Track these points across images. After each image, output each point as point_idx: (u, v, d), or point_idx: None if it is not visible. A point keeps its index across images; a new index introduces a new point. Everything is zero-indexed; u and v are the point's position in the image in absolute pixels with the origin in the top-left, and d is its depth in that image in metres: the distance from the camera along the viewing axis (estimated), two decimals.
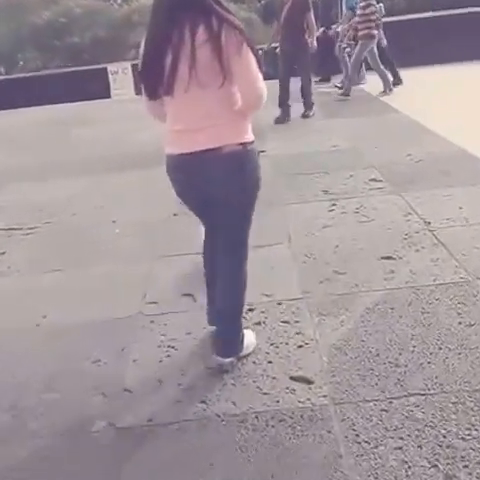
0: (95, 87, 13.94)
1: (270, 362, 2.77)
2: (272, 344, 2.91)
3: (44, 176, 6.91)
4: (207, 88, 2.36)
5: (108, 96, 14.27)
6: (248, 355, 2.80)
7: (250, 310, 3.21)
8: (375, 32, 9.83)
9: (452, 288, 3.25)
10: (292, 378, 2.62)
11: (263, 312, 3.21)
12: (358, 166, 5.74)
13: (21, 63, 29.42)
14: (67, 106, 13.41)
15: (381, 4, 10.50)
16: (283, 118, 8.51)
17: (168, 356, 2.91)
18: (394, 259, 3.66)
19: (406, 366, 2.63)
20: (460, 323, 2.92)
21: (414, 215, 4.33)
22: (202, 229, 2.85)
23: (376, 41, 9.94)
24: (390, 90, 9.99)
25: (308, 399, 2.48)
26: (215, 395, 2.56)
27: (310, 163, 6.02)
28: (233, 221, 2.61)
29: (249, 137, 2.53)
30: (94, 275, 3.93)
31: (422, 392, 2.44)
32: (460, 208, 4.36)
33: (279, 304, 3.26)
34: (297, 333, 2.98)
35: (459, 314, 3.00)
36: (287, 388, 2.56)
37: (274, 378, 2.64)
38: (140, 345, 3.03)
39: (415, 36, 12.77)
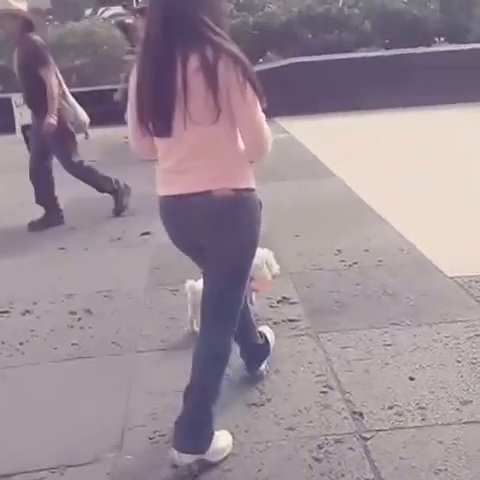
0: None
1: None
2: None
3: None
4: (199, 123, 2.07)
5: (14, 132, 11.88)
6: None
7: None
8: None
9: None
10: None
11: None
12: None
13: None
14: None
15: None
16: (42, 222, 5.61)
17: None
18: None
19: None
20: None
21: (336, 392, 2.62)
22: None
23: None
24: None
25: None
26: None
27: None
28: (222, 276, 2.28)
29: (247, 183, 2.23)
30: None
31: None
32: (411, 379, 2.68)
33: None
34: None
35: None
36: None
37: None
38: None
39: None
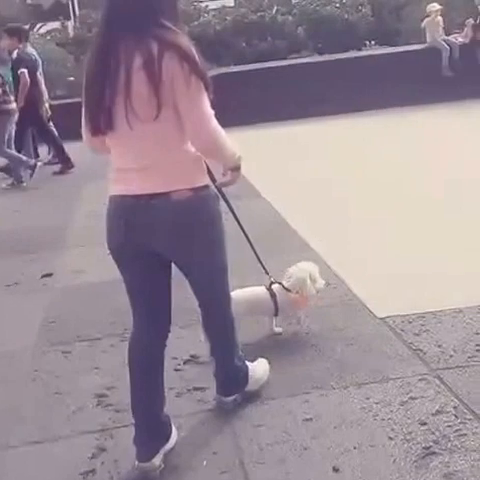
0: None
1: None
2: None
3: None
4: (143, 119, 2.05)
5: None
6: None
7: None
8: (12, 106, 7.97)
9: None
10: None
11: None
12: None
13: None
14: None
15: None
16: None
17: None
18: None
19: None
20: None
21: None
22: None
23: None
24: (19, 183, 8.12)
25: None
26: None
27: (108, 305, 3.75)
28: (201, 274, 2.35)
29: (202, 180, 2.21)
30: None
31: None
32: (335, 470, 2.17)
33: None
34: None
35: None
36: None
37: None
38: None
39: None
